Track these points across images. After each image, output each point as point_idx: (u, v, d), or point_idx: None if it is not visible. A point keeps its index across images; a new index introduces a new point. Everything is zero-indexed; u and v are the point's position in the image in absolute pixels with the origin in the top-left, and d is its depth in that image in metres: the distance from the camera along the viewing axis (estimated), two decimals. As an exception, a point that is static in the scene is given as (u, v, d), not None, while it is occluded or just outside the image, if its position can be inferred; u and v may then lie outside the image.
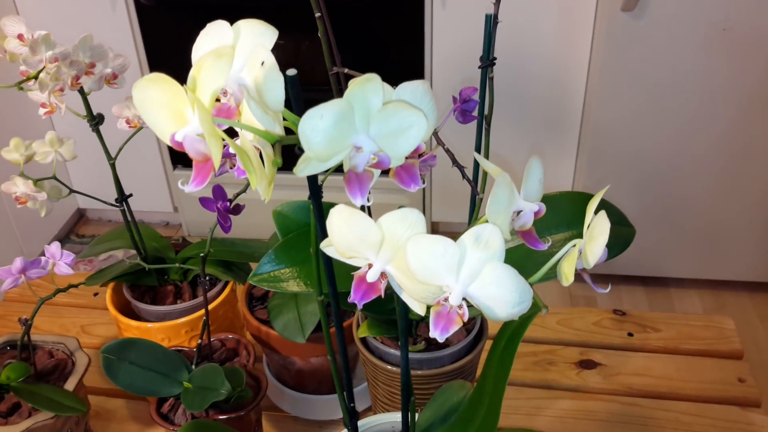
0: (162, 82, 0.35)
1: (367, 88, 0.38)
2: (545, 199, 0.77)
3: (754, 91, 1.73)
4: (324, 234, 0.48)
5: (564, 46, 1.90)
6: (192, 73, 0.35)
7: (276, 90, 0.37)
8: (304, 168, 0.38)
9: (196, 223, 2.37)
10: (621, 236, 0.76)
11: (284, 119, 0.41)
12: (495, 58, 0.71)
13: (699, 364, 1.00)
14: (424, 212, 2.19)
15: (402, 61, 2.00)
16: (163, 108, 0.35)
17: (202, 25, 0.40)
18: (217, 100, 0.39)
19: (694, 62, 1.71)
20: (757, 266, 2.01)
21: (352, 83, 0.38)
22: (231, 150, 0.37)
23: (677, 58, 1.71)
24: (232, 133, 0.40)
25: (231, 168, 0.49)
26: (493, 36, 0.69)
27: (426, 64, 1.96)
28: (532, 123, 2.04)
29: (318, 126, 0.36)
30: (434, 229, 2.29)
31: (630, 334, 1.06)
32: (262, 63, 0.37)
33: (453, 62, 1.95)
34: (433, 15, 1.89)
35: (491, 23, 0.68)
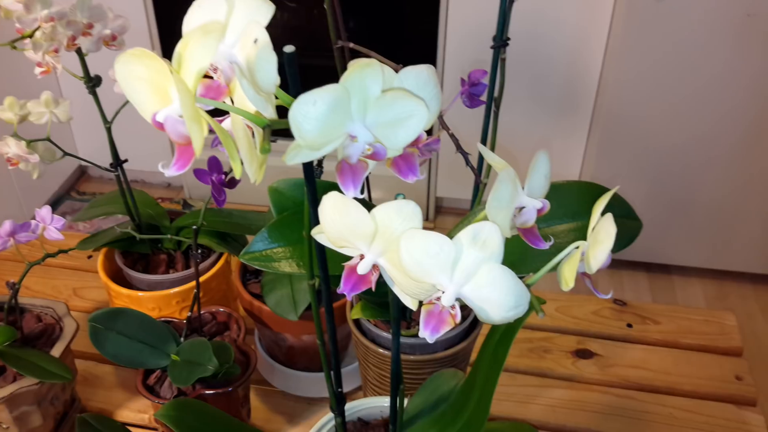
0: (146, 57, 0.33)
1: (365, 74, 0.35)
2: (551, 187, 0.75)
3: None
4: (317, 219, 0.46)
5: (582, 28, 1.85)
6: (177, 49, 0.33)
7: (269, 70, 0.35)
8: (294, 156, 0.35)
9: (197, 186, 2.35)
10: (627, 230, 0.74)
11: (277, 98, 0.38)
12: (508, 39, 0.68)
13: (697, 359, 0.99)
14: (428, 187, 2.16)
15: (415, 31, 1.95)
16: (146, 85, 0.33)
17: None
18: (208, 76, 0.37)
19: (716, 48, 1.67)
20: (762, 258, 1.99)
21: (350, 67, 0.35)
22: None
23: (698, 43, 1.67)
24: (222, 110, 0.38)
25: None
26: (508, 16, 0.66)
27: (440, 36, 1.91)
28: (543, 107, 2.00)
29: (310, 113, 0.34)
30: (438, 204, 2.26)
31: (629, 325, 1.04)
32: (255, 41, 0.34)
33: (468, 36, 1.90)
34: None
35: (506, 2, 0.65)
